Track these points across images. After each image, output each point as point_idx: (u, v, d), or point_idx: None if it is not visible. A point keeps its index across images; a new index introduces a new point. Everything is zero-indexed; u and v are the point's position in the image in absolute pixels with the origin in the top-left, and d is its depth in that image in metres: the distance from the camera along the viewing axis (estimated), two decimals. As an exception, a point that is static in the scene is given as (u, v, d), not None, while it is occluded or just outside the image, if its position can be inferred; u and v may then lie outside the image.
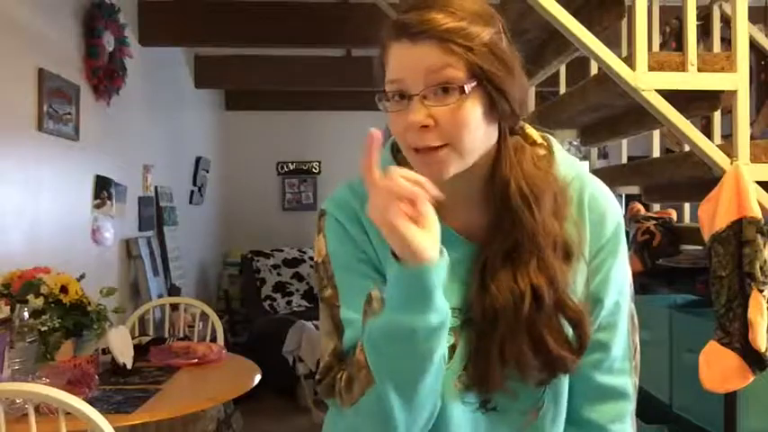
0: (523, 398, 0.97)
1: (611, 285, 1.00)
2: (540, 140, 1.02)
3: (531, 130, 1.02)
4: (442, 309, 0.86)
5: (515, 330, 0.91)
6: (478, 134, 0.91)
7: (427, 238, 0.82)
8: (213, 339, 3.20)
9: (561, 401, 1.00)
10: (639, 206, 3.20)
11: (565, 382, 0.99)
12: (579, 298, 0.96)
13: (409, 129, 0.89)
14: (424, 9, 0.89)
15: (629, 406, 1.03)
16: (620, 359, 1.01)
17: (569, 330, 0.94)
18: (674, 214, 3.08)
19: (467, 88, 0.88)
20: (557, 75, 3.38)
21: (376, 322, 0.88)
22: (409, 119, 0.88)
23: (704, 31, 2.81)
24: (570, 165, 1.01)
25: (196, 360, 2.63)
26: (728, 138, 2.29)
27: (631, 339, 1.03)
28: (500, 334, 0.92)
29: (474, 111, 0.89)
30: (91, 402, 1.81)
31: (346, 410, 0.93)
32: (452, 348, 0.94)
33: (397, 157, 1.00)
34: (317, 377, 0.98)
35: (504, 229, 0.93)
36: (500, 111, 0.92)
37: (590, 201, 1.00)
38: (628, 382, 1.02)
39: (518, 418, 0.98)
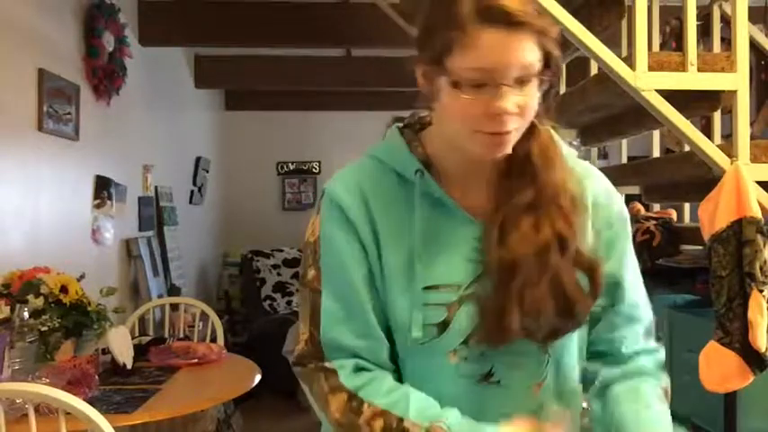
0: (527, 369, 0.97)
1: (628, 266, 1.04)
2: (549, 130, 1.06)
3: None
4: None
5: (536, 277, 0.93)
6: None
7: None
8: (213, 339, 3.20)
9: (563, 375, 1.01)
10: (639, 206, 3.21)
11: (567, 355, 1.00)
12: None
13: (493, 116, 0.88)
14: None
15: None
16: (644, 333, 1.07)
17: (583, 278, 0.96)
18: (674, 214, 3.08)
19: (542, 78, 0.91)
20: (557, 75, 3.37)
21: None
22: (501, 107, 0.87)
23: (704, 31, 2.81)
24: (573, 157, 1.05)
25: (196, 360, 2.63)
26: (728, 138, 2.29)
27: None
28: (519, 283, 0.92)
29: (537, 96, 0.92)
30: (91, 402, 1.80)
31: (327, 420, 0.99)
32: (444, 324, 0.94)
33: (406, 138, 1.01)
34: (293, 361, 1.00)
35: (523, 186, 0.96)
36: (552, 93, 0.95)
37: (595, 185, 1.04)
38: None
39: (520, 393, 0.98)
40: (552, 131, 1.03)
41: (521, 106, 0.89)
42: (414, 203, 0.96)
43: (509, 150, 0.93)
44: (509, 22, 0.85)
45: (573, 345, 1.01)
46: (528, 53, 0.87)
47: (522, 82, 0.88)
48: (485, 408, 0.96)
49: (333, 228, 0.97)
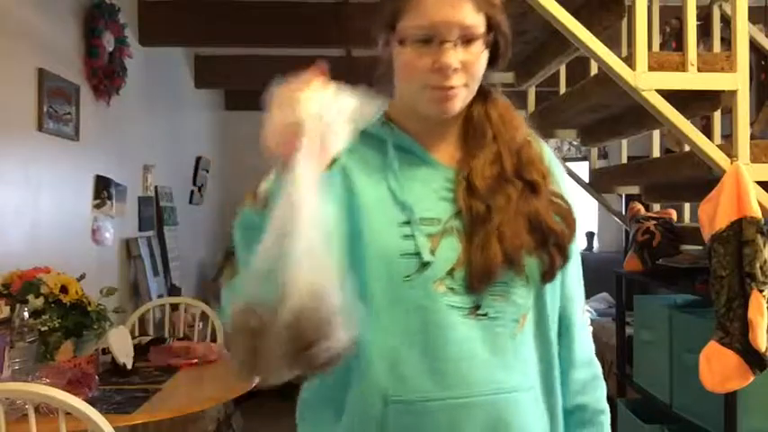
0: (513, 301, 1.01)
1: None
2: None
3: None
4: None
5: (512, 216, 1.00)
6: (481, 77, 1.04)
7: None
8: (213, 339, 3.20)
9: (543, 311, 1.04)
10: (639, 206, 3.20)
11: (545, 290, 1.03)
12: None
13: (438, 70, 0.99)
14: None
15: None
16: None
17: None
18: (674, 214, 3.08)
19: (488, 40, 1.02)
20: (557, 75, 3.37)
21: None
22: (444, 61, 0.98)
23: (704, 31, 2.81)
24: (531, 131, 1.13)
25: (196, 360, 2.63)
26: (728, 138, 2.29)
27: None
28: (496, 222, 0.99)
29: (485, 58, 1.03)
30: (91, 402, 1.81)
31: None
32: (429, 254, 0.99)
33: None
34: None
35: (486, 143, 1.06)
36: (503, 55, 1.06)
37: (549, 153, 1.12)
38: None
39: (509, 325, 1.01)
40: (510, 104, 1.12)
41: (464, 63, 1.00)
42: (387, 153, 1.06)
43: (457, 108, 1.02)
44: None
45: (551, 289, 1.05)
46: (468, 15, 0.99)
47: (466, 42, 0.99)
48: (476, 339, 0.99)
49: None
